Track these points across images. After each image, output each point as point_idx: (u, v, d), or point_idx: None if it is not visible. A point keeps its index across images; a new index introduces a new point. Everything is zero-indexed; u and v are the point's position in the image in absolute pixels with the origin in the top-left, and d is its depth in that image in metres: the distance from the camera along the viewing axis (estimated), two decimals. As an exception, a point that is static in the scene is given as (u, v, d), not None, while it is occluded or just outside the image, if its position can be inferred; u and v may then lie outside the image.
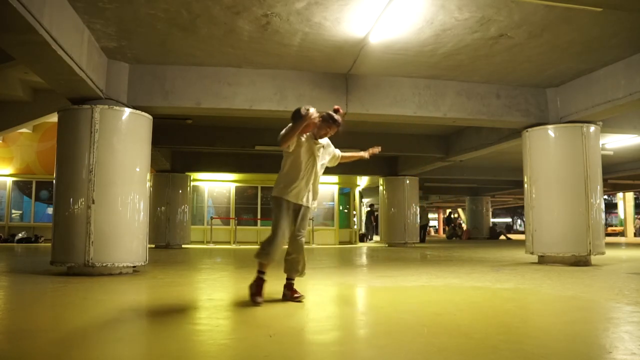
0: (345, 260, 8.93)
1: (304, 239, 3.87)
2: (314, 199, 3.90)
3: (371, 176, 17.21)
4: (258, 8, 4.94)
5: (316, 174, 3.85)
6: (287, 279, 3.94)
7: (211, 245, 14.53)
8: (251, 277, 3.87)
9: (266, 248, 3.73)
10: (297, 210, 3.81)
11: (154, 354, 2.48)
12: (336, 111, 3.84)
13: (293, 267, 3.88)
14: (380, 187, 15.56)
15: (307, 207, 3.85)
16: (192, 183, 14.64)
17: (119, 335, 2.84)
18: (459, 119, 7.58)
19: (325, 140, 3.93)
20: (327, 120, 3.77)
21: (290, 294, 3.87)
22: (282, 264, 3.91)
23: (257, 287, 3.74)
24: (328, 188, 16.70)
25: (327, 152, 3.98)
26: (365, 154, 4.17)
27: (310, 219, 15.42)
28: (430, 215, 34.03)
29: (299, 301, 3.80)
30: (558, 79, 7.22)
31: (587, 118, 7.24)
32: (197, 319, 3.34)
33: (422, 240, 18.75)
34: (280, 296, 3.96)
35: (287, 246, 3.88)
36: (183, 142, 11.64)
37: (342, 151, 4.17)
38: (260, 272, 3.79)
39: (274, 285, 4.73)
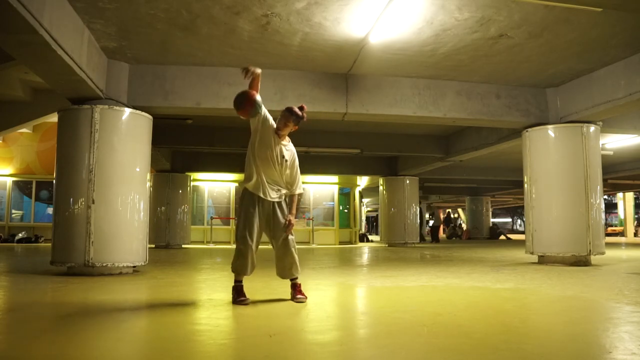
0: (345, 261, 8.93)
1: (290, 240, 3.78)
2: (290, 185, 3.83)
3: (371, 176, 17.20)
4: (258, 8, 4.94)
5: (278, 170, 3.74)
6: (290, 278, 3.91)
7: (211, 245, 14.52)
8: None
9: (233, 265, 3.75)
10: (265, 210, 3.75)
11: (154, 354, 2.48)
12: (301, 108, 3.83)
13: (284, 270, 3.85)
14: (380, 187, 15.57)
15: (275, 203, 3.78)
16: (192, 183, 14.64)
17: (119, 335, 2.84)
18: (459, 119, 7.58)
19: (290, 148, 3.84)
20: (286, 114, 3.78)
21: (293, 294, 3.86)
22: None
23: (237, 292, 3.75)
24: (328, 188, 16.71)
25: (289, 161, 3.80)
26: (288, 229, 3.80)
27: (310, 219, 15.62)
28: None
29: (300, 302, 3.79)
30: (558, 79, 7.22)
31: (587, 118, 7.24)
32: (197, 319, 3.34)
33: (436, 240, 19.65)
34: (282, 297, 3.96)
35: (274, 249, 3.84)
36: (183, 142, 11.64)
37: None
38: (237, 281, 3.79)
39: (275, 285, 4.73)
